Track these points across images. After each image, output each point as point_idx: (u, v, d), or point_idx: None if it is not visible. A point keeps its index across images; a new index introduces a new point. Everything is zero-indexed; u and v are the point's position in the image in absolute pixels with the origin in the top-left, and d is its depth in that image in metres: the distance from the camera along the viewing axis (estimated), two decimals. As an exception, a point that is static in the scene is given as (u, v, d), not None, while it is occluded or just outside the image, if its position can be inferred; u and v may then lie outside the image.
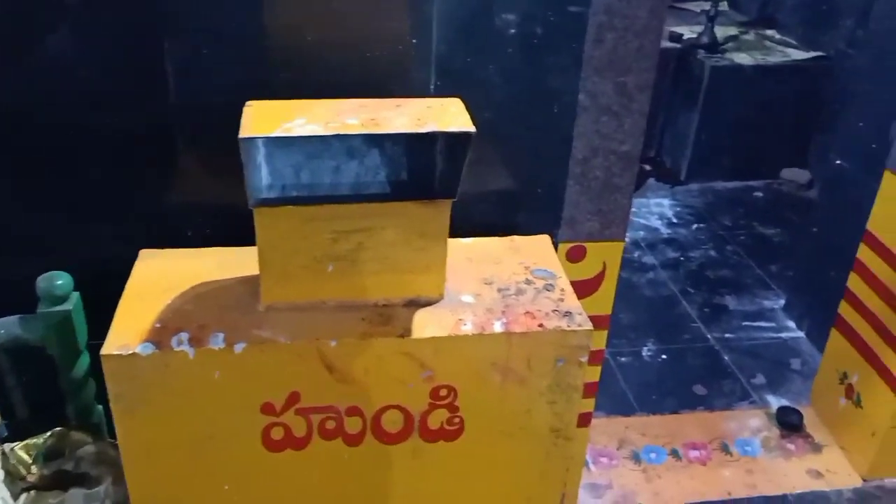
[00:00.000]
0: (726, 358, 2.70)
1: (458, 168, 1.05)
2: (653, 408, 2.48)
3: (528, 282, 1.27)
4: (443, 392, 1.16)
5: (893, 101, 2.12)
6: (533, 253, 1.36)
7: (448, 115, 1.06)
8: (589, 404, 1.97)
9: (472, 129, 1.03)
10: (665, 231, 3.45)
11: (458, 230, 1.42)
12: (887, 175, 2.10)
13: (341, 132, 1.00)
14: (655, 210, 3.62)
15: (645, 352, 2.73)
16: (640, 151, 1.71)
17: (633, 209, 3.62)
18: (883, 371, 2.12)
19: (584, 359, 1.19)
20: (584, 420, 1.97)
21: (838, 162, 2.61)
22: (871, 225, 2.16)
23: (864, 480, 2.20)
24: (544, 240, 1.42)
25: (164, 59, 1.25)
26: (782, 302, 2.95)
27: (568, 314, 1.20)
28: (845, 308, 2.28)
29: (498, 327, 1.16)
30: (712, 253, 3.30)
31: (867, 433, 2.19)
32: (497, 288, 1.25)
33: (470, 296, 1.22)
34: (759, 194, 3.76)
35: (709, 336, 2.81)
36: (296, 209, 1.11)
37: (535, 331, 1.16)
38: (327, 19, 1.26)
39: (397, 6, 1.26)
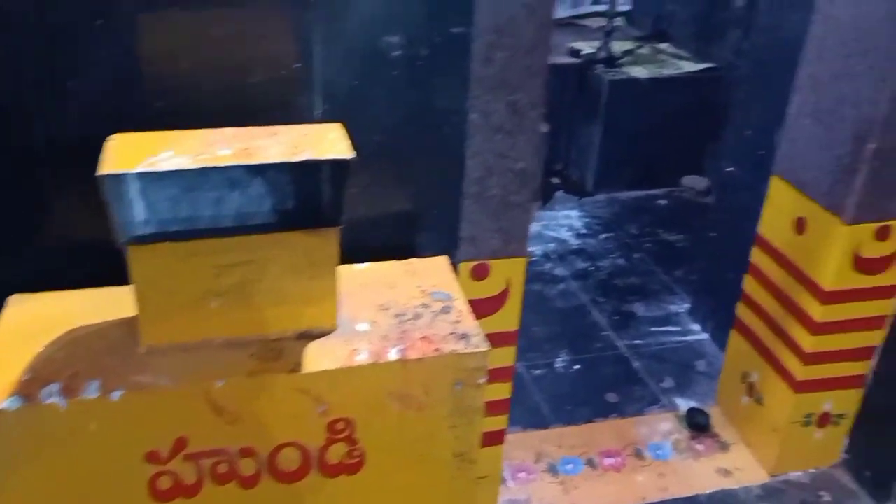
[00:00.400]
0: (636, 364, 2.76)
1: (340, 195, 1.03)
2: (568, 419, 2.51)
3: (424, 305, 1.26)
4: (340, 425, 1.13)
5: (776, 108, 2.22)
6: (431, 275, 1.34)
7: (326, 142, 1.03)
8: (502, 421, 1.96)
9: (350, 155, 1.01)
10: (574, 242, 3.52)
11: (354, 255, 1.39)
12: (773, 180, 2.20)
13: (212, 164, 0.96)
14: (564, 222, 3.69)
15: (558, 363, 2.76)
16: (537, 168, 1.73)
17: (543, 222, 3.68)
18: (780, 369, 2.21)
19: (483, 380, 1.19)
20: (497, 438, 1.97)
21: (730, 169, 2.73)
22: (762, 228, 2.26)
23: (771, 476, 2.28)
24: (442, 261, 1.41)
25: (28, 90, 1.18)
26: (687, 306, 3.05)
27: (465, 336, 1.19)
28: (742, 309, 2.37)
29: (393, 355, 1.13)
30: (620, 261, 3.38)
31: (769, 430, 2.27)
32: (393, 314, 1.23)
33: (365, 324, 1.19)
34: (663, 202, 3.89)
35: (619, 344, 2.87)
36: (174, 245, 1.06)
37: (432, 356, 1.14)
38: (204, 44, 1.21)
39: (277, 30, 1.23)
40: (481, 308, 1.82)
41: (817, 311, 2.05)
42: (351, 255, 1.38)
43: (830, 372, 2.14)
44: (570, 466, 2.30)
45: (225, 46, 1.22)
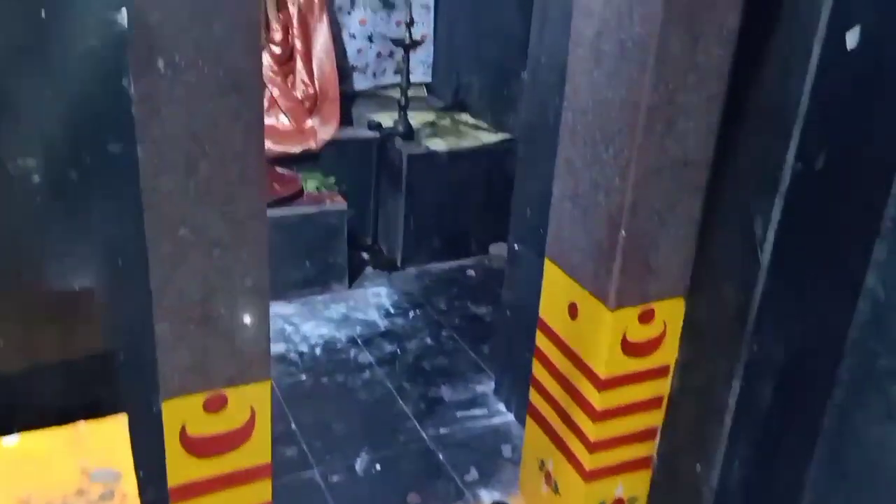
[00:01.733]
0: (441, 456, 2.61)
1: None
2: (365, 530, 2.31)
3: (79, 493, 1.02)
4: None
5: (548, 188, 2.18)
6: (101, 444, 1.10)
7: None
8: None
9: None
10: (382, 323, 3.36)
11: (19, 424, 1.13)
12: (547, 263, 2.15)
13: None
14: (373, 301, 3.53)
15: (358, 464, 2.55)
16: (268, 281, 1.55)
17: (351, 303, 3.51)
18: (570, 457, 2.13)
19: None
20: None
21: (516, 247, 2.70)
22: (542, 312, 2.21)
23: (572, 568, 2.18)
24: (118, 423, 1.17)
25: None
26: (493, 385, 2.96)
27: (122, 532, 0.96)
28: (534, 395, 2.29)
29: (14, 576, 0.88)
30: (428, 341, 3.26)
31: (567, 520, 2.18)
32: (34, 509, 0.98)
33: (-12, 530, 0.94)
34: (472, 272, 3.84)
35: (424, 434, 2.71)
36: None
37: (70, 569, 0.90)
38: None
39: None
40: (222, 444, 1.59)
41: (596, 399, 1.99)
42: (22, 421, 1.13)
43: (617, 457, 2.09)
44: (362, 591, 2.09)
45: None
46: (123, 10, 1.00)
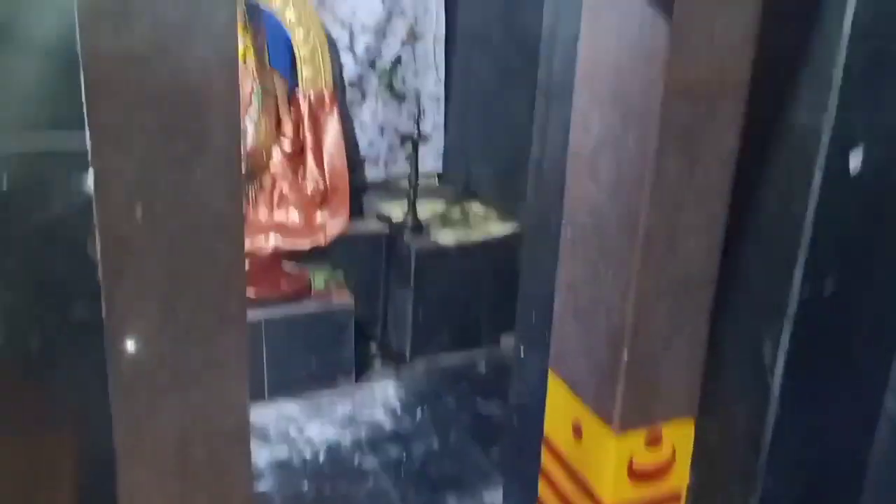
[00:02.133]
0: (445, 580, 2.48)
1: None
2: None
3: None
4: None
5: (551, 291, 2.11)
6: None
7: None
8: None
9: None
10: (389, 424, 3.27)
11: None
12: (550, 376, 2.08)
13: None
14: (380, 398, 3.45)
15: (358, 589, 2.43)
16: (248, 422, 1.49)
17: (358, 398, 3.42)
18: (579, 588, 2.00)
19: None
20: None
21: (522, 352, 2.62)
22: (547, 428, 2.11)
23: None
24: None
25: None
26: (501, 493, 2.84)
27: None
28: (540, 516, 2.18)
29: None
30: (435, 444, 3.15)
31: None
32: None
33: None
34: (482, 365, 3.76)
35: (429, 551, 2.59)
36: None
37: None
38: None
39: None
40: None
41: (603, 528, 1.88)
42: None
43: (628, 590, 1.95)
44: None
45: None
46: (90, 177, 0.98)
